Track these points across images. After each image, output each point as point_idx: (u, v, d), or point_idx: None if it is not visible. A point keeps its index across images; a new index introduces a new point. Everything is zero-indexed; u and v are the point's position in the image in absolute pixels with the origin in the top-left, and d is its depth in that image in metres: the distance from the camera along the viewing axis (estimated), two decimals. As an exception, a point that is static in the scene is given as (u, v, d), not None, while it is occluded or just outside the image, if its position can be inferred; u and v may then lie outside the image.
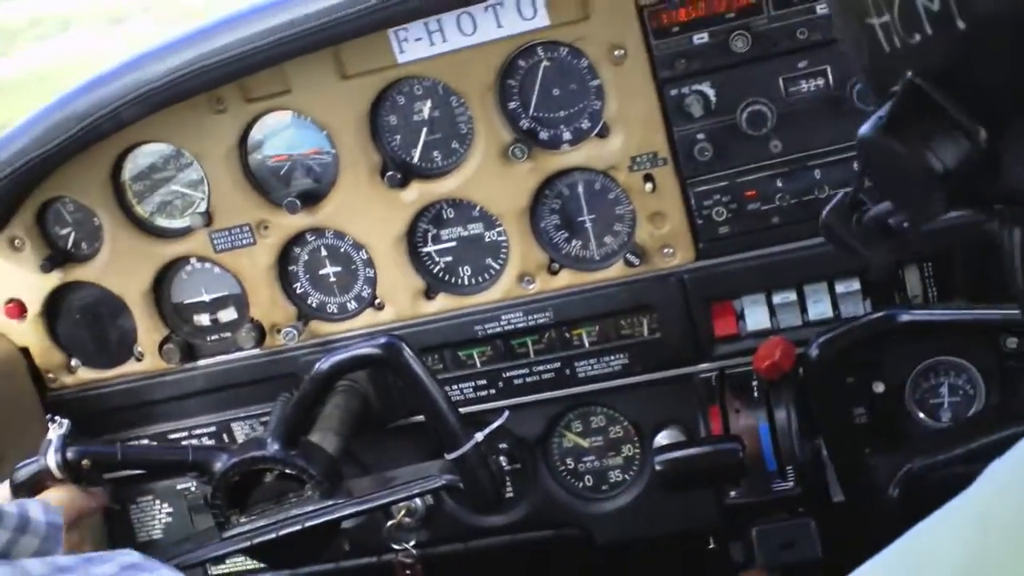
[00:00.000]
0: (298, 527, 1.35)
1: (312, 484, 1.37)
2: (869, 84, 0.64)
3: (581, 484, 1.67)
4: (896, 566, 0.54)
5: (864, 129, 0.60)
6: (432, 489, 1.38)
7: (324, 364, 1.35)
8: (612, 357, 1.55)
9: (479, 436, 1.35)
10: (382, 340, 1.35)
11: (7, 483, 1.35)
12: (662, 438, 1.56)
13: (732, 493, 1.48)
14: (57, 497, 1.28)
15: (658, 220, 1.47)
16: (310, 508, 1.37)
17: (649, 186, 1.45)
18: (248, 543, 1.37)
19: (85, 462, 1.34)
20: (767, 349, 1.42)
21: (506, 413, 1.43)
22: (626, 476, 1.65)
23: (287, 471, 1.38)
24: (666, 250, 1.49)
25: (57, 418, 1.36)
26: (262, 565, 1.63)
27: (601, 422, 1.64)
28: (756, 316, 1.49)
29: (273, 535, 1.36)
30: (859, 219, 0.73)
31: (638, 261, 1.48)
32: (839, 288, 1.46)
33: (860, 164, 0.71)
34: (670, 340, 1.52)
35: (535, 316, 1.54)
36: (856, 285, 1.45)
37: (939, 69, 0.55)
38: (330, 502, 1.37)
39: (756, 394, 1.46)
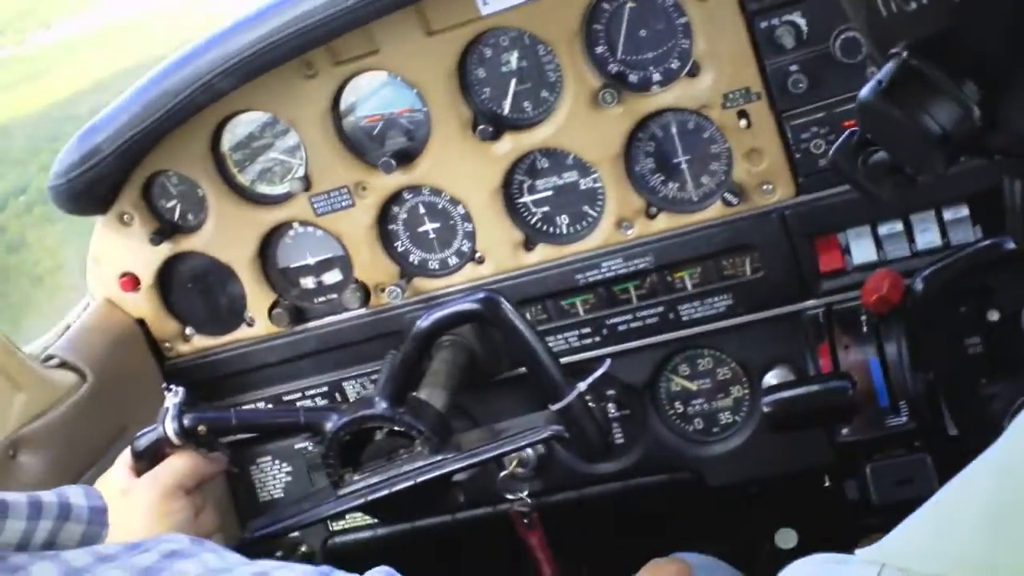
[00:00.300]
0: (409, 483, 1.45)
1: (421, 440, 1.47)
2: (869, 45, 0.69)
3: (691, 427, 1.76)
4: (927, 520, 0.61)
5: (863, 93, 0.65)
6: (538, 441, 1.46)
7: (424, 323, 1.44)
8: (716, 299, 1.62)
9: (582, 386, 1.43)
10: (480, 295, 1.43)
11: (128, 451, 1.47)
12: (771, 378, 1.63)
13: (844, 431, 1.55)
14: (178, 463, 1.40)
15: (755, 157, 1.53)
16: (420, 464, 1.47)
17: (744, 123, 1.51)
18: (363, 500, 1.48)
19: (201, 428, 1.44)
20: (875, 282, 1.47)
21: (607, 361, 1.51)
22: (736, 417, 1.73)
23: (396, 428, 1.47)
24: (765, 187, 1.54)
25: (172, 387, 1.46)
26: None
27: (708, 364, 1.71)
28: (862, 249, 1.53)
29: (386, 491, 1.46)
30: (865, 160, 0.78)
31: (737, 200, 1.54)
32: (947, 215, 1.50)
33: (860, 126, 0.76)
34: (774, 278, 1.58)
35: (635, 261, 1.62)
36: (964, 211, 1.49)
37: (934, 35, 0.60)
38: (439, 457, 1.46)
39: (865, 329, 1.51)
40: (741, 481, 1.74)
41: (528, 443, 1.48)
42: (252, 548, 1.78)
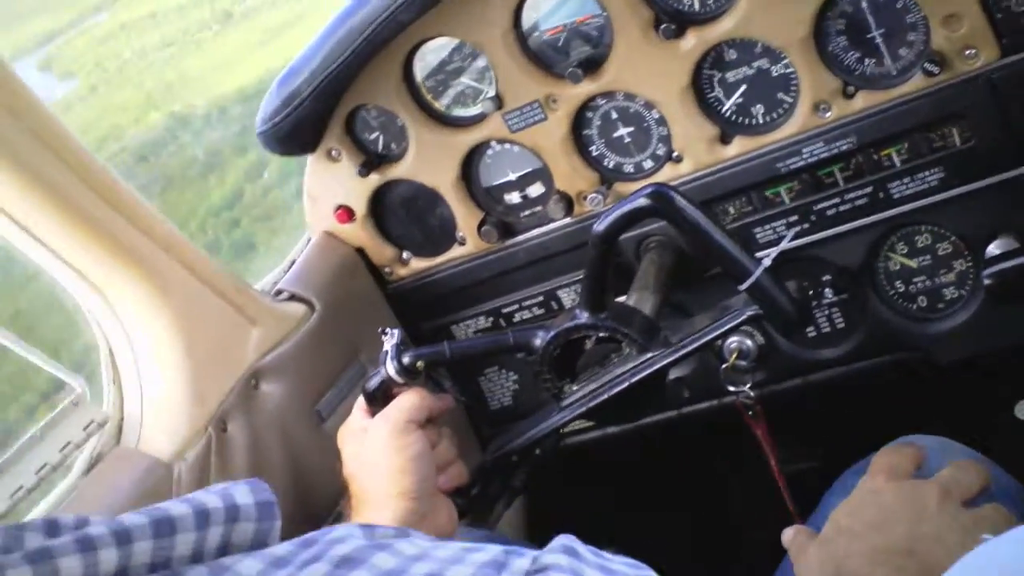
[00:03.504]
0: (624, 384, 1.57)
1: (627, 342, 1.57)
2: None
3: (914, 306, 1.81)
4: None
5: None
6: (735, 325, 1.53)
7: (599, 226, 1.49)
8: (927, 173, 1.66)
9: (766, 261, 1.48)
10: (648, 190, 1.46)
11: (362, 400, 1.62)
12: (995, 248, 1.66)
13: (1077, 294, 1.57)
14: (405, 400, 1.54)
15: (953, 22, 1.55)
16: (631, 365, 1.57)
17: (939, -13, 1.53)
18: (584, 408, 1.61)
19: (419, 364, 1.55)
20: (1097, 138, 1.48)
21: (789, 235, 1.58)
22: (962, 292, 1.77)
23: (601, 335, 1.58)
24: (967, 52, 1.56)
25: (388, 329, 1.60)
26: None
27: (927, 240, 1.76)
28: (1080, 105, 1.54)
29: (604, 396, 1.59)
30: None
31: (938, 69, 1.57)
32: None
33: None
34: (986, 146, 1.60)
35: (838, 144, 1.67)
36: None
37: None
38: (648, 355, 1.56)
39: (1091, 187, 1.53)
40: (971, 357, 1.78)
41: (726, 329, 1.55)
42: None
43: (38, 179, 1.49)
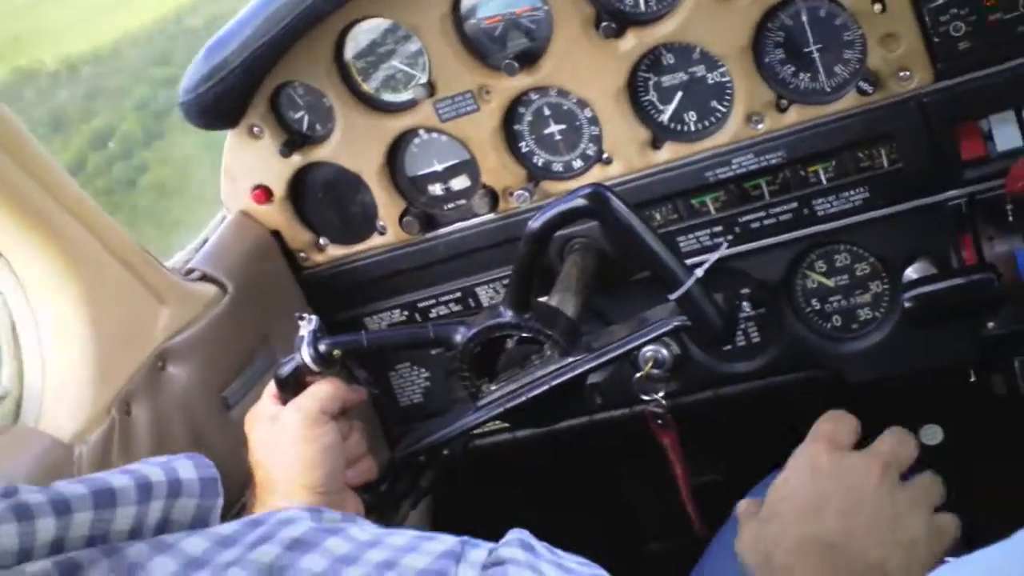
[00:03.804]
0: (544, 387, 1.55)
1: (550, 344, 1.55)
2: None
3: (829, 325, 1.84)
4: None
5: None
6: (662, 333, 1.52)
7: (534, 224, 1.48)
8: (852, 192, 1.69)
9: (698, 272, 1.48)
10: (586, 190, 1.45)
11: (273, 381, 1.58)
12: (912, 272, 1.69)
13: (990, 324, 1.60)
14: (318, 389, 1.51)
15: (890, 42, 1.57)
16: (552, 368, 1.55)
17: (878, 7, 1.54)
18: (501, 409, 1.58)
19: (336, 352, 1.53)
20: (1021, 169, 1.51)
21: (724, 245, 1.60)
22: (876, 313, 1.80)
23: (524, 335, 1.55)
24: (902, 74, 1.59)
25: (306, 315, 1.55)
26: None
27: (846, 260, 1.78)
28: (1006, 135, 1.57)
29: (523, 398, 1.56)
30: None
31: (872, 89, 1.59)
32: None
33: None
34: (913, 169, 1.63)
35: (767, 156, 1.69)
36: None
37: None
38: (570, 360, 1.54)
39: (1011, 218, 1.56)
40: (881, 378, 1.81)
41: (652, 337, 1.54)
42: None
43: None
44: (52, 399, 1.62)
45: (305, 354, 1.53)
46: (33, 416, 1.61)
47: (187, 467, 0.85)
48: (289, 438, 1.47)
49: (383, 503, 1.72)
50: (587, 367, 1.57)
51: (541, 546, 0.83)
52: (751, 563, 1.21)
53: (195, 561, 0.67)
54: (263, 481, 1.48)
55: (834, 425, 1.35)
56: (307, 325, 1.55)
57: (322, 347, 1.53)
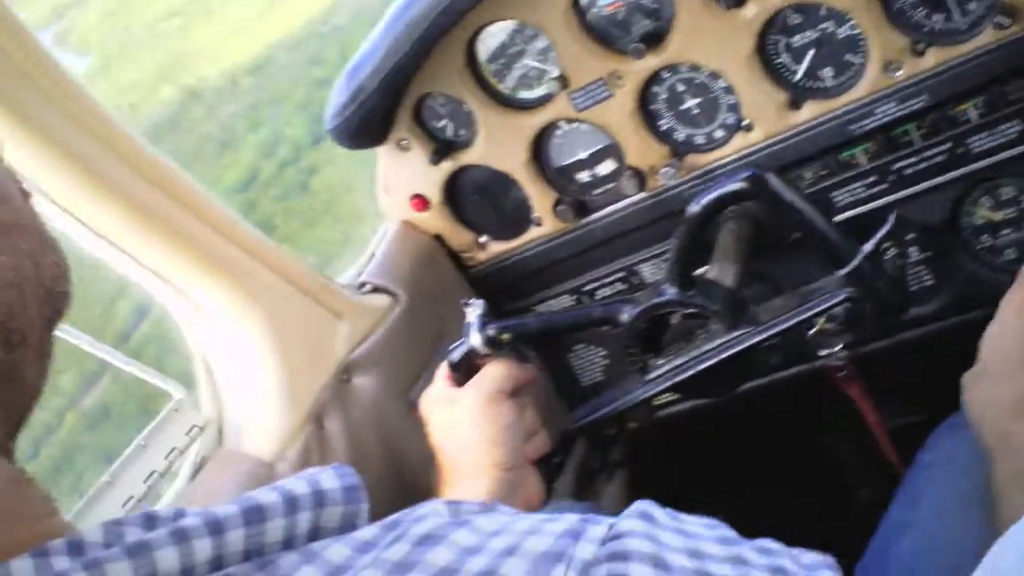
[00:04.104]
0: (710, 361, 1.58)
1: (716, 319, 1.58)
2: None
3: (1002, 258, 1.78)
4: None
5: None
6: (830, 307, 1.54)
7: (694, 208, 1.53)
8: (1006, 126, 1.63)
9: (866, 247, 1.49)
10: (745, 173, 1.49)
11: (445, 365, 1.65)
12: (1081, 195, 1.63)
13: None
14: (494, 370, 1.56)
15: (1025, -29, 1.50)
16: (718, 342, 1.58)
17: (1009, -65, 1.48)
18: (669, 383, 1.62)
19: (505, 336, 1.59)
20: None
21: (892, 218, 1.57)
22: (1051, 242, 1.73)
23: (688, 311, 1.59)
24: (1041, 1, 1.52)
25: (472, 301, 1.61)
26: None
27: (1011, 192, 1.72)
28: None
29: (690, 372, 1.60)
30: None
31: (1009, 21, 1.52)
32: None
33: None
34: (1065, 94, 1.56)
35: (911, 102, 1.64)
36: None
37: None
38: (735, 333, 1.57)
39: None
40: None
41: (820, 310, 1.55)
42: (584, 432, 2.01)
43: (123, 195, 1.53)
44: (250, 423, 1.74)
45: (474, 338, 1.59)
46: (234, 440, 1.74)
47: (330, 477, 0.83)
48: (470, 419, 1.53)
49: (558, 474, 1.77)
50: (753, 341, 1.58)
51: (662, 513, 0.85)
52: (979, 429, 1.19)
53: (338, 568, 0.70)
54: (447, 464, 1.55)
55: None
56: (474, 311, 1.61)
57: (491, 331, 1.59)
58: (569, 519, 0.78)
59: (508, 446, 1.52)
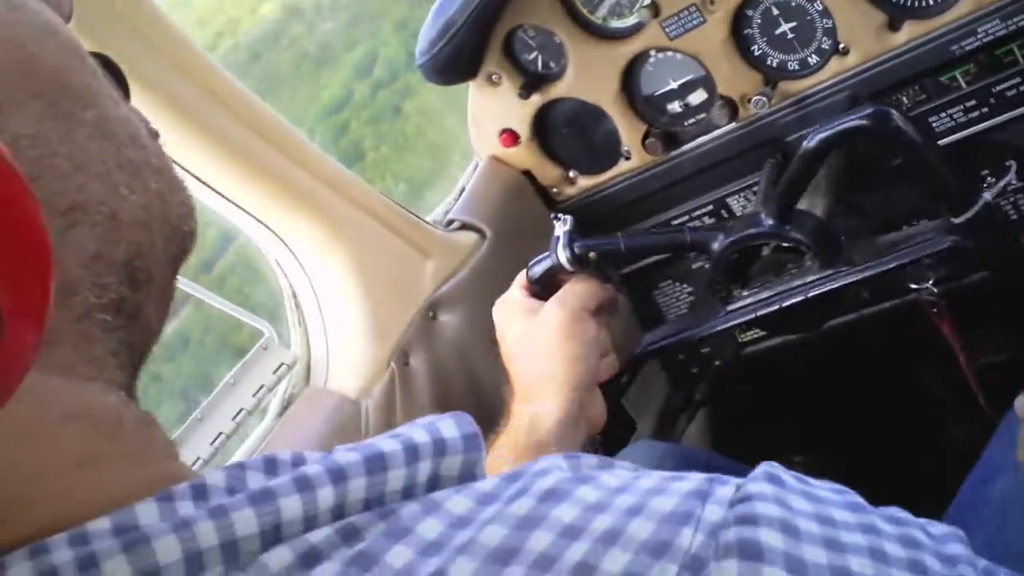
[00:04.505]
0: (799, 297, 1.54)
1: (810, 255, 1.54)
2: None
3: (1114, 188, 1.71)
4: None
5: None
6: (936, 252, 1.48)
7: (810, 143, 1.46)
8: (1119, 41, 1.56)
9: (987, 196, 1.43)
10: (869, 110, 1.42)
11: (524, 276, 1.63)
12: None
13: None
14: (580, 288, 1.54)
15: None
16: (811, 278, 1.54)
17: None
18: (753, 315, 1.59)
19: (592, 254, 1.55)
20: None
21: (1013, 167, 1.52)
22: None
23: (784, 244, 1.54)
24: None
25: (562, 216, 1.57)
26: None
27: (1124, 112, 1.66)
28: None
29: (776, 306, 1.57)
30: None
31: (1125, -71, 1.47)
32: None
33: None
34: None
35: (1016, 19, 1.58)
36: None
37: None
38: (830, 271, 1.53)
39: None
40: None
41: (924, 255, 1.50)
42: (660, 359, 1.97)
43: (211, 131, 1.54)
44: (336, 360, 1.75)
45: (561, 255, 1.56)
46: (321, 377, 1.75)
47: (449, 426, 0.80)
48: (554, 333, 1.51)
49: (621, 394, 1.74)
50: (847, 281, 1.54)
51: (791, 476, 0.82)
52: None
53: (460, 520, 0.69)
54: (523, 376, 1.53)
55: None
56: (562, 226, 1.58)
57: (578, 248, 1.56)
58: (695, 478, 0.75)
59: (587, 363, 1.51)
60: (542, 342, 1.52)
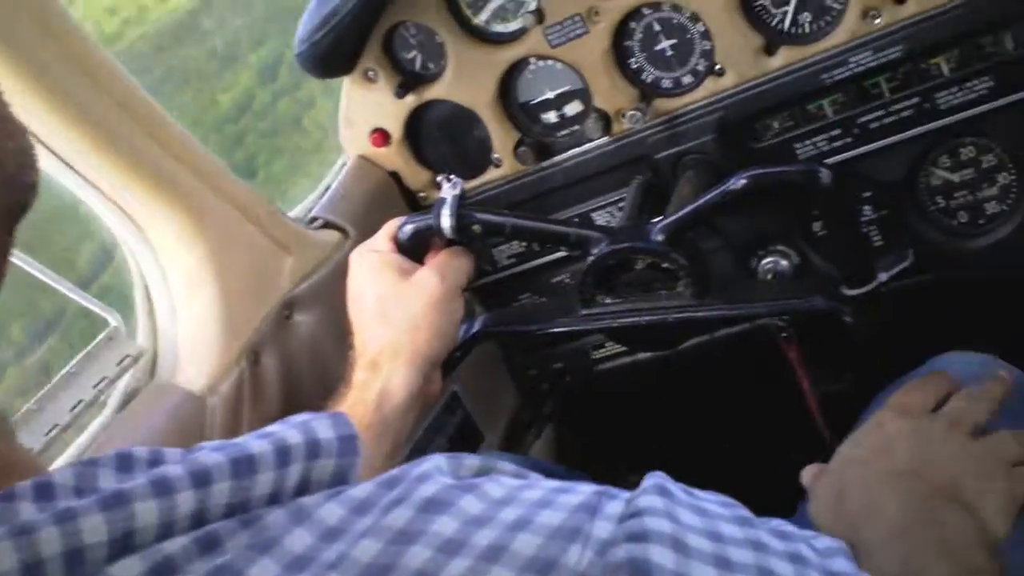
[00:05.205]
0: (659, 318, 1.51)
1: (685, 283, 1.50)
2: None
3: (955, 221, 1.77)
4: None
5: None
6: (810, 311, 1.49)
7: (737, 182, 1.43)
8: (976, 82, 1.61)
9: (883, 276, 1.46)
10: (801, 167, 1.45)
11: (391, 230, 1.54)
12: (1041, 159, 1.63)
13: None
14: (462, 262, 1.48)
15: (1010, -78, 1.50)
16: (676, 303, 1.51)
17: None
18: (609, 324, 1.55)
19: (476, 227, 1.47)
20: None
21: (911, 254, 1.58)
22: (1004, 206, 1.73)
23: (664, 265, 1.50)
24: (1023, -46, 1.52)
25: (452, 177, 1.49)
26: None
27: (971, 153, 1.71)
28: None
29: (636, 320, 1.53)
30: None
31: (992, -29, 1.53)
32: None
33: None
34: (1039, 51, 1.56)
35: (886, 52, 1.62)
36: None
37: None
38: (700, 303, 1.49)
39: None
40: (1009, 272, 1.75)
41: (797, 311, 1.51)
42: (511, 372, 1.92)
43: (75, 106, 1.43)
44: (185, 355, 1.63)
45: (445, 220, 1.48)
46: (167, 372, 1.63)
47: (325, 427, 0.77)
48: (427, 304, 1.43)
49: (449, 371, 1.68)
50: (710, 315, 1.52)
51: (678, 489, 0.79)
52: (825, 516, 1.17)
53: (332, 532, 0.63)
54: (376, 340, 1.44)
55: (907, 397, 1.32)
56: (451, 189, 1.49)
57: (464, 218, 1.48)
58: (584, 491, 0.72)
59: (447, 341, 1.45)
60: (408, 311, 1.44)
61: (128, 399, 1.59)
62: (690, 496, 0.78)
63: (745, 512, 0.80)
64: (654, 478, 0.78)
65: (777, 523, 0.81)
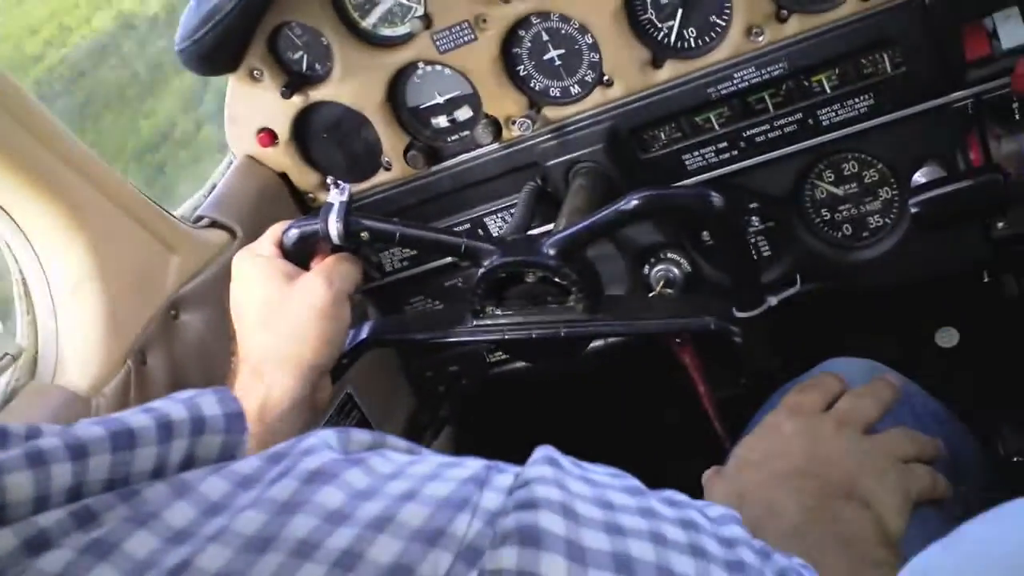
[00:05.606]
0: (550, 332, 1.49)
1: (576, 298, 1.47)
2: None
3: (839, 234, 1.78)
4: None
5: None
6: (704, 331, 1.48)
7: (630, 202, 1.40)
8: (856, 100, 1.61)
9: (772, 300, 1.46)
10: (697, 192, 1.42)
11: (276, 234, 1.49)
12: (920, 176, 1.63)
13: (1000, 225, 1.55)
14: (350, 268, 1.43)
15: (889, -56, 1.50)
16: (567, 318, 1.48)
17: (873, -93, 1.47)
18: (499, 336, 1.52)
19: (364, 234, 1.43)
20: (1027, 66, 1.45)
21: (799, 282, 1.60)
22: (886, 220, 1.74)
23: (556, 280, 1.47)
24: (903, -24, 1.51)
25: (340, 183, 1.44)
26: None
27: (854, 168, 1.72)
28: (1011, 32, 1.49)
29: (527, 333, 1.50)
30: None
31: (872, -7, 1.52)
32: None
33: None
34: (917, 72, 1.56)
35: (769, 69, 1.62)
36: (1125, -20, 1.43)
37: None
38: (589, 319, 1.47)
39: (1017, 116, 1.50)
40: (892, 285, 1.76)
41: (688, 329, 1.50)
42: (407, 375, 1.89)
43: None
44: (67, 355, 1.58)
45: (332, 226, 1.44)
46: (49, 372, 1.58)
47: (211, 403, 0.76)
48: (313, 311, 1.39)
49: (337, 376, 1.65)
50: (603, 330, 1.51)
51: (567, 460, 0.78)
52: None
53: (215, 506, 0.61)
54: (263, 348, 1.40)
55: (799, 397, 1.34)
56: (339, 195, 1.45)
57: (352, 224, 1.44)
58: (472, 465, 0.72)
59: (333, 348, 1.40)
60: (293, 318, 1.39)
61: (7, 400, 1.53)
62: (579, 468, 0.78)
63: (635, 482, 0.80)
64: (543, 450, 0.77)
65: (669, 493, 0.81)
